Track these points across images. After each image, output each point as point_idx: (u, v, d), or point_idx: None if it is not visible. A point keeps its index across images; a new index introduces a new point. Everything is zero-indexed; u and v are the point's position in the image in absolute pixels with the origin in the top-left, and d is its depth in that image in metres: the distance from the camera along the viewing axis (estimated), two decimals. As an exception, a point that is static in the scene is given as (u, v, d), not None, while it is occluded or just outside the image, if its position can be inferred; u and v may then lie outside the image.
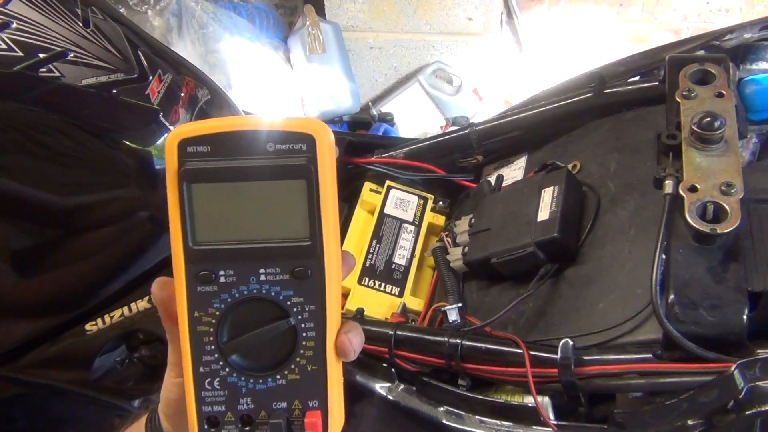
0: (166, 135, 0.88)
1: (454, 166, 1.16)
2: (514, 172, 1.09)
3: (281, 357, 0.44)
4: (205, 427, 0.45)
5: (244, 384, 0.44)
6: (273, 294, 0.43)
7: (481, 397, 0.83)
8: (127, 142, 0.86)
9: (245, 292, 0.43)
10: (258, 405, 0.44)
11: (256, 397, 0.44)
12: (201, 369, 0.44)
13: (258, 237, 0.43)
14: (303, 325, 0.44)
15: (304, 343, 0.44)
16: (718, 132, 0.74)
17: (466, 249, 0.97)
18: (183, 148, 0.42)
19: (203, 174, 0.42)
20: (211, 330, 0.44)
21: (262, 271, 0.43)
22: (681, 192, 0.71)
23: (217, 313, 0.44)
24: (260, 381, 0.44)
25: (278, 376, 0.44)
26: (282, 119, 0.42)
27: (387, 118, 2.31)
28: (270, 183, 0.42)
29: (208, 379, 0.44)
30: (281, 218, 0.43)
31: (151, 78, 0.87)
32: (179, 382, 0.46)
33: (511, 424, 0.80)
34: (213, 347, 0.44)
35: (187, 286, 0.43)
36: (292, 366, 0.44)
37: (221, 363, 0.44)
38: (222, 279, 0.43)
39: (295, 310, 0.44)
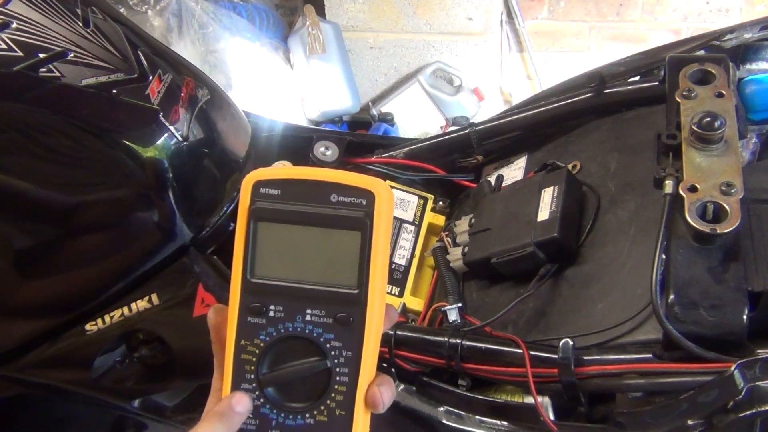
0: (166, 135, 0.88)
1: (454, 166, 1.16)
2: (514, 172, 1.09)
3: (313, 397, 0.46)
4: None
5: (275, 417, 0.46)
6: (315, 335, 0.46)
7: (481, 397, 0.83)
8: (127, 142, 0.86)
9: (290, 329, 0.46)
10: None
11: None
12: None
13: (310, 279, 0.46)
14: (338, 369, 0.46)
15: (336, 387, 0.46)
16: (718, 132, 0.74)
17: (466, 249, 0.97)
18: (257, 189, 0.45)
19: (270, 214, 0.45)
20: (254, 360, 0.46)
21: (308, 311, 0.46)
22: (681, 192, 0.71)
23: (262, 344, 0.46)
24: (290, 417, 0.46)
25: (307, 415, 0.46)
26: (348, 174, 0.45)
27: (387, 118, 2.31)
28: (328, 231, 0.45)
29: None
30: (334, 265, 0.46)
31: (151, 78, 0.87)
32: None
33: (511, 424, 0.80)
34: (252, 376, 0.46)
35: (238, 315, 0.46)
36: (322, 407, 0.46)
37: (257, 393, 0.46)
38: (271, 313, 0.46)
39: (333, 353, 0.46)
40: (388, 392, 0.46)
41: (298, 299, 0.46)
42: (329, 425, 0.46)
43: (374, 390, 0.46)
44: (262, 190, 0.45)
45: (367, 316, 0.45)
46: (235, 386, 0.46)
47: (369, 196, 0.45)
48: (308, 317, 0.46)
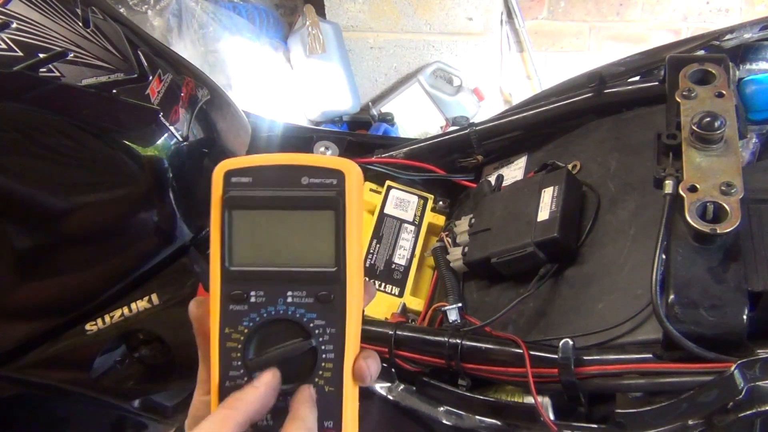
0: (166, 135, 0.88)
1: (454, 166, 1.16)
2: (514, 172, 1.09)
3: (301, 377, 0.46)
4: None
5: None
6: (298, 315, 0.46)
7: (481, 397, 0.83)
8: (127, 142, 0.86)
9: (273, 313, 0.46)
10: (276, 421, 0.46)
11: (276, 413, 0.46)
12: (227, 383, 0.46)
13: (288, 262, 0.46)
14: (323, 347, 0.46)
15: (323, 364, 0.46)
16: (718, 132, 0.74)
17: (466, 249, 0.97)
18: (228, 178, 0.46)
19: (244, 201, 0.46)
20: (239, 346, 0.46)
21: (289, 293, 0.46)
22: (681, 192, 0.71)
23: (246, 330, 0.46)
24: (280, 398, 0.46)
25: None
26: (317, 156, 0.46)
27: (387, 118, 2.31)
28: (302, 213, 0.46)
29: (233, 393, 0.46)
30: (310, 245, 0.46)
31: (151, 78, 0.87)
32: (207, 400, 0.48)
33: (511, 424, 0.80)
34: (239, 363, 0.46)
35: (221, 304, 0.46)
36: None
37: (245, 378, 0.46)
38: (253, 299, 0.46)
39: (317, 332, 0.46)
40: (374, 364, 0.47)
41: (278, 282, 0.46)
42: (319, 402, 0.46)
43: (361, 363, 0.46)
44: (234, 179, 0.46)
45: (347, 292, 0.46)
46: (223, 374, 0.46)
47: (339, 175, 0.46)
48: (289, 299, 0.46)
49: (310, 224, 0.46)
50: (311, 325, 0.46)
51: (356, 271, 0.46)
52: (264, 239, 0.46)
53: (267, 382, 0.45)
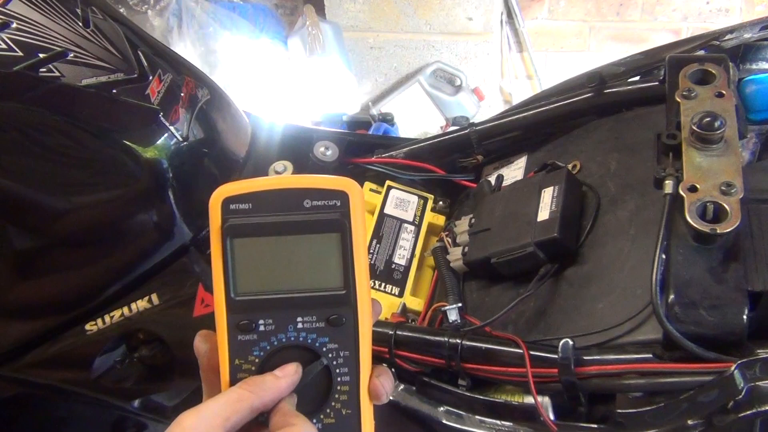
0: (166, 135, 0.88)
1: (454, 166, 1.16)
2: (514, 172, 1.09)
3: (317, 402, 0.46)
4: None
5: None
6: (309, 341, 0.46)
7: (481, 397, 0.83)
8: (127, 142, 0.86)
9: (283, 340, 0.46)
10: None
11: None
12: None
13: (296, 287, 0.45)
14: (338, 370, 0.46)
15: (339, 387, 0.46)
16: (718, 132, 0.74)
17: (466, 249, 0.97)
18: (226, 206, 0.45)
19: (245, 229, 0.45)
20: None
21: (299, 319, 0.45)
22: (681, 192, 0.71)
23: (257, 360, 0.46)
24: None
25: (314, 421, 0.46)
26: (317, 177, 0.45)
27: (387, 118, 2.31)
28: (307, 236, 0.45)
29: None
30: (317, 269, 0.45)
31: (151, 78, 0.87)
32: None
33: (511, 424, 0.80)
34: None
35: (228, 335, 0.46)
36: (328, 410, 0.46)
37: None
38: (261, 328, 0.45)
39: (330, 355, 0.46)
40: (388, 382, 0.47)
41: (286, 309, 0.45)
42: (337, 425, 0.46)
43: (375, 382, 0.46)
44: (233, 206, 0.45)
45: (359, 313, 0.46)
46: None
47: (342, 196, 0.45)
48: (300, 325, 0.45)
49: (316, 248, 0.45)
50: (324, 349, 0.45)
51: (365, 291, 0.46)
52: (269, 266, 0.45)
53: (289, 373, 0.45)
